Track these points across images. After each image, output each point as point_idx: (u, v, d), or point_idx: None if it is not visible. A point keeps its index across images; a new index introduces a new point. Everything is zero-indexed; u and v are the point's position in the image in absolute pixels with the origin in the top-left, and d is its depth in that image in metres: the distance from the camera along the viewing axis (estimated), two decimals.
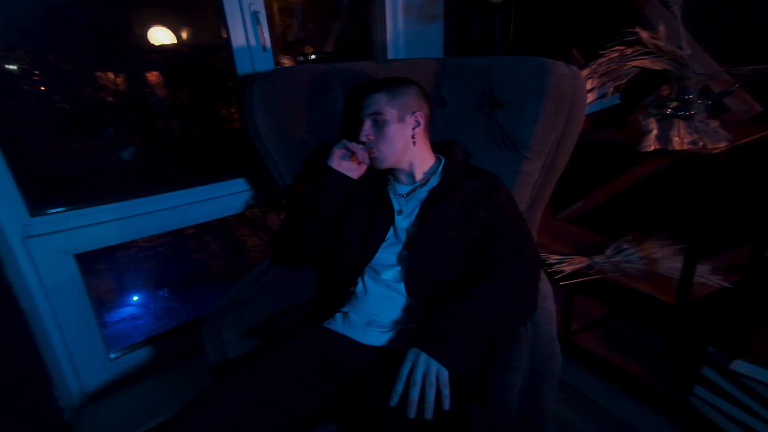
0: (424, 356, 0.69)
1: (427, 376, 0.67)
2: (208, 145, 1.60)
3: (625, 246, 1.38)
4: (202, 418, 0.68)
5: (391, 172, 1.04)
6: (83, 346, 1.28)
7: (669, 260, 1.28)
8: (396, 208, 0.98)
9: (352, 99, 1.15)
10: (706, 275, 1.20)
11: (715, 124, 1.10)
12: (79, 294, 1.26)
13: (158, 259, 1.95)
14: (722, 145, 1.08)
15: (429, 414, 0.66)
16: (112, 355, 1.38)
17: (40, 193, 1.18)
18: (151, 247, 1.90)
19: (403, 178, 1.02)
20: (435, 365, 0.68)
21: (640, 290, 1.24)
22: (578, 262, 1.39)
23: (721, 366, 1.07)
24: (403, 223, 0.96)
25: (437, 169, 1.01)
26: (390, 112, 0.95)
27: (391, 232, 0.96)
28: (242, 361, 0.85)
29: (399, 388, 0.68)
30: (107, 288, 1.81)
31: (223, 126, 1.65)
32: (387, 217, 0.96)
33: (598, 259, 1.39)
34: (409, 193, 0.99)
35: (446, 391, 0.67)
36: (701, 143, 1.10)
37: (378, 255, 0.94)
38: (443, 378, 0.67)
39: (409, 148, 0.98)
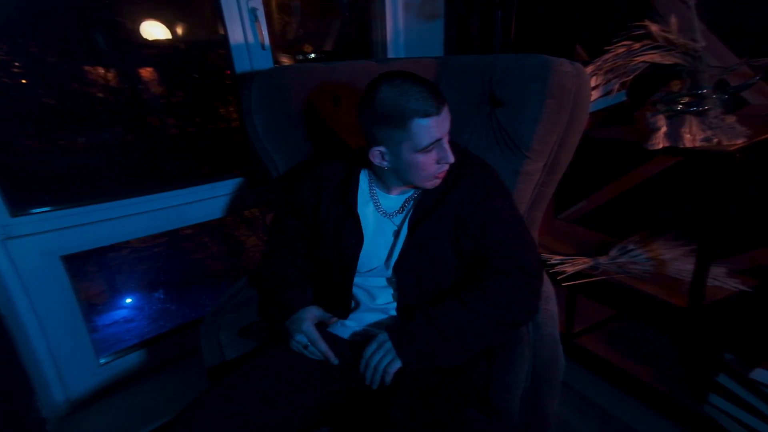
0: (388, 345, 0.70)
1: (380, 362, 0.69)
2: (205, 144, 1.48)
3: (631, 247, 1.27)
4: (205, 418, 0.64)
5: (381, 178, 0.80)
6: (70, 351, 1.15)
7: (679, 262, 1.16)
8: (370, 234, 0.80)
9: (393, 106, 0.69)
10: (721, 278, 1.08)
11: (731, 119, 0.98)
12: (65, 297, 1.13)
13: (153, 260, 1.81)
14: (739, 141, 0.96)
15: (374, 386, 0.70)
16: (102, 360, 1.24)
17: (23, 192, 1.05)
18: (146, 248, 1.77)
19: (395, 189, 0.80)
20: (391, 357, 0.69)
21: (648, 293, 1.12)
22: (581, 263, 1.28)
23: (739, 374, 0.95)
24: (391, 242, 0.80)
25: None
26: None
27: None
28: (241, 362, 0.78)
29: (362, 364, 0.71)
30: (98, 290, 1.66)
31: (221, 125, 1.53)
32: (356, 243, 0.79)
33: (602, 260, 1.27)
34: (402, 208, 0.81)
35: (387, 378, 0.69)
36: (716, 140, 0.98)
37: (368, 280, 0.82)
38: (391, 368, 0.69)
39: None
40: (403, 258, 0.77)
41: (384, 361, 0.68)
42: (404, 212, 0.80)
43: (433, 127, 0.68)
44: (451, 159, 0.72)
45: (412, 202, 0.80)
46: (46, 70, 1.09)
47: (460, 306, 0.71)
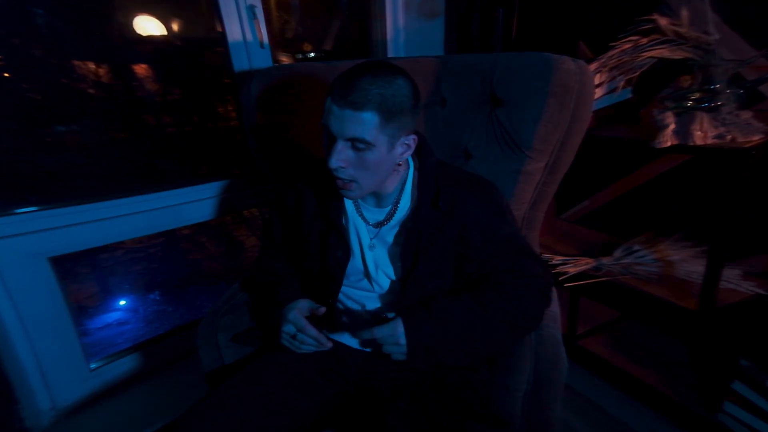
0: (402, 344, 0.62)
1: (390, 350, 0.64)
2: (203, 143, 1.39)
3: (637, 247, 1.18)
4: (203, 425, 0.61)
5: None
6: (58, 356, 1.05)
7: (688, 263, 1.08)
8: (355, 247, 0.73)
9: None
10: (735, 280, 0.99)
11: (747, 115, 0.90)
12: (53, 300, 1.03)
13: (149, 260, 1.70)
14: (756, 138, 0.88)
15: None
16: (93, 365, 1.15)
17: (6, 191, 0.95)
18: (142, 248, 1.66)
19: (369, 200, 0.73)
20: (400, 353, 0.63)
21: (655, 295, 1.04)
22: (584, 264, 1.19)
23: (756, 381, 0.86)
24: (376, 260, 0.72)
25: (405, 179, 0.71)
26: (381, 140, 0.60)
27: (356, 267, 0.73)
28: (240, 366, 0.76)
29: (366, 335, 0.64)
30: (89, 293, 1.55)
31: (220, 124, 1.44)
32: (342, 257, 0.72)
33: (605, 260, 1.19)
34: (384, 222, 0.72)
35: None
36: (729, 137, 0.90)
37: (356, 292, 0.75)
38: (396, 357, 0.64)
39: (390, 174, 0.67)
40: (405, 294, 0.70)
41: (393, 350, 0.64)
42: (392, 229, 0.71)
43: (328, 111, 0.60)
44: (332, 164, 0.61)
45: (393, 221, 0.71)
46: (32, 64, 0.99)
47: (477, 306, 0.66)
